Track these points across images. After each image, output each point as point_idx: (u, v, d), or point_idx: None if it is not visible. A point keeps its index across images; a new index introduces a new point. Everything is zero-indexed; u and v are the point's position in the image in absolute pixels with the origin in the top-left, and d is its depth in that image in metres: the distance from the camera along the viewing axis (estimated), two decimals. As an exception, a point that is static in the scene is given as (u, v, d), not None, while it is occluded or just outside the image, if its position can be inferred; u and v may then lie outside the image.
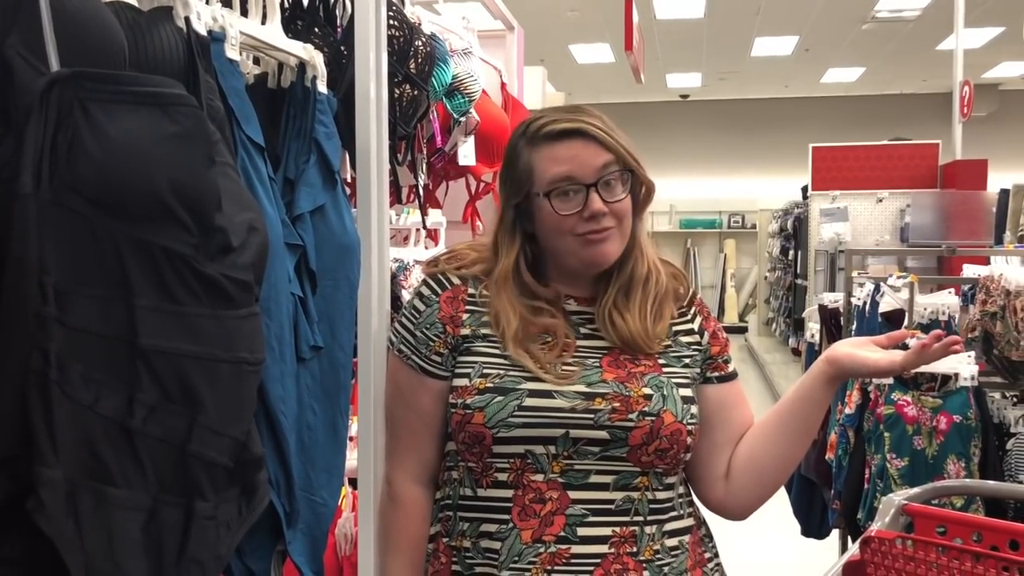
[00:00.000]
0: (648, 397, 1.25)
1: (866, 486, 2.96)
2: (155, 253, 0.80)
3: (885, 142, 8.30)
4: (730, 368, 1.40)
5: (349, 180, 1.53)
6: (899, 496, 1.60)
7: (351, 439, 1.71)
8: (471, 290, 1.33)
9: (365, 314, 1.40)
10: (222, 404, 0.85)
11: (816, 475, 3.39)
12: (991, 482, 2.67)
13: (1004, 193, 6.22)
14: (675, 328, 1.36)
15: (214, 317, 0.84)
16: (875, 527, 1.55)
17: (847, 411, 3.08)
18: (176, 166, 0.80)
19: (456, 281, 1.33)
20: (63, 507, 0.76)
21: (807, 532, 3.58)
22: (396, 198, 1.99)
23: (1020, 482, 2.84)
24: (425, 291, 1.34)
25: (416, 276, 1.94)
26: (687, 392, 1.30)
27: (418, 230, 2.21)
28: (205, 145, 0.84)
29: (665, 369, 1.30)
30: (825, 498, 3.37)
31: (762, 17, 9.80)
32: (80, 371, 0.77)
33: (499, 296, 1.30)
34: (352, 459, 1.61)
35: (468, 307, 1.31)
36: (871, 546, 1.46)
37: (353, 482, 1.59)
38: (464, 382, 1.27)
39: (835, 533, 3.49)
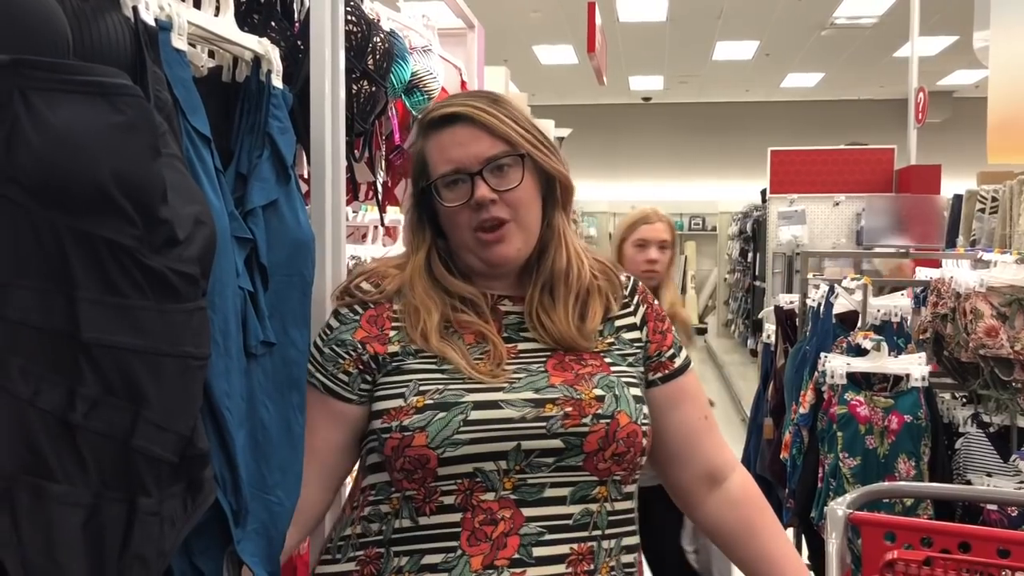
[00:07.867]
0: (600, 399, 1.17)
1: (820, 485, 2.99)
2: (98, 245, 0.78)
3: (842, 147, 8.43)
4: (677, 363, 1.31)
5: (306, 176, 1.52)
6: (840, 507, 1.55)
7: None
8: (396, 306, 1.24)
9: (319, 310, 1.39)
10: (167, 399, 0.84)
11: (771, 474, 3.43)
12: (920, 484, 2.70)
13: (958, 198, 6.35)
14: (617, 324, 1.28)
15: (159, 310, 0.82)
16: (831, 539, 1.52)
17: (801, 411, 3.12)
18: (120, 157, 0.78)
19: (378, 299, 1.26)
20: (-1, 503, 0.75)
21: (762, 531, 3.61)
22: (353, 195, 1.98)
23: (968, 481, 2.89)
24: (343, 310, 1.26)
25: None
26: (637, 392, 1.22)
27: (376, 227, 2.20)
28: (150, 136, 0.82)
29: (613, 368, 1.22)
30: (780, 497, 3.41)
31: (723, 21, 9.91)
32: (19, 364, 0.76)
33: (413, 291, 1.23)
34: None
35: (395, 324, 1.23)
36: (896, 568, 1.43)
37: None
38: (398, 403, 1.16)
39: (789, 532, 3.53)
